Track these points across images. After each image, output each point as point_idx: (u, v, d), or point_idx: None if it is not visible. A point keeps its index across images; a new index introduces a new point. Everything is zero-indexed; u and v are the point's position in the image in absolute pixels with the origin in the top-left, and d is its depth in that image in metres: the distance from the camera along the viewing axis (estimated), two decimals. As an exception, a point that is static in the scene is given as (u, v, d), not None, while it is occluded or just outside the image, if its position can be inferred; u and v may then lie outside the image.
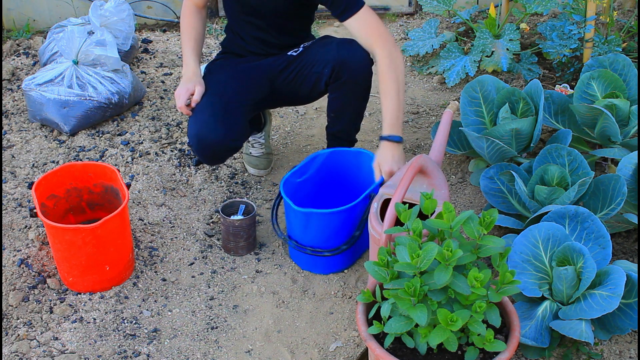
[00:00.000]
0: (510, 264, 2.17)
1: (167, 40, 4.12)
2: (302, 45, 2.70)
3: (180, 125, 3.29)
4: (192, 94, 2.52)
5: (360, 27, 2.45)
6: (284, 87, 2.69)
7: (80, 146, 3.13)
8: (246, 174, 3.01)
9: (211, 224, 2.75)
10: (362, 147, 3.16)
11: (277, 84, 2.68)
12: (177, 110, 3.42)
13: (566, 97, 2.86)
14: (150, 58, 3.90)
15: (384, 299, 1.80)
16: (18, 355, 2.17)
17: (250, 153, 3.00)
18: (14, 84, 3.61)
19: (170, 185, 2.92)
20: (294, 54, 2.68)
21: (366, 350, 2.14)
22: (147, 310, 2.36)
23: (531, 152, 2.91)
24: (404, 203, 1.99)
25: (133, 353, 2.20)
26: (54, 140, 3.18)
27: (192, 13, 2.70)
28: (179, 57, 3.92)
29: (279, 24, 2.65)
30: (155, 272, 2.52)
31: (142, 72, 3.74)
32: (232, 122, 2.54)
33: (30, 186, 2.89)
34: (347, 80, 2.55)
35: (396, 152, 2.43)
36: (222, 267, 2.56)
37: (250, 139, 2.98)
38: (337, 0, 2.44)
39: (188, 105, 2.52)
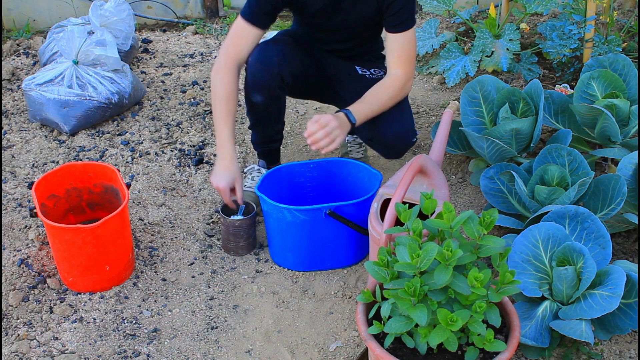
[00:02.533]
0: (510, 264, 2.17)
1: (167, 40, 4.12)
2: (372, 69, 2.72)
3: (180, 125, 3.29)
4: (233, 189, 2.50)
5: (397, 45, 2.47)
6: (333, 86, 2.73)
7: (80, 146, 3.13)
8: (246, 174, 3.01)
9: (211, 224, 2.75)
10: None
11: (332, 83, 2.72)
12: (177, 110, 3.42)
13: (566, 97, 2.86)
14: (150, 58, 3.90)
15: (384, 299, 1.80)
16: (18, 355, 2.17)
17: (251, 153, 3.00)
18: (14, 84, 3.61)
19: (170, 185, 2.92)
20: (364, 73, 2.70)
21: (366, 350, 2.14)
22: (147, 310, 2.36)
23: (531, 152, 2.91)
24: (404, 203, 1.99)
25: (133, 353, 2.20)
26: (54, 140, 3.18)
27: (231, 72, 2.47)
28: (179, 57, 3.93)
29: (354, 38, 2.67)
30: (155, 272, 2.52)
31: (142, 72, 3.75)
32: (294, 66, 2.54)
33: (30, 186, 2.89)
34: (381, 148, 2.67)
35: (338, 122, 2.32)
36: (222, 267, 2.56)
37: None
38: (401, 14, 2.43)
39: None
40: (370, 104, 2.44)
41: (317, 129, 2.29)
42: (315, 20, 2.57)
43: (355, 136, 3.00)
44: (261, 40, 2.54)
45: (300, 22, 2.68)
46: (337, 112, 2.41)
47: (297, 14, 2.63)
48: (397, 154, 2.66)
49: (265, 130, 2.72)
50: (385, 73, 2.70)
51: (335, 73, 2.70)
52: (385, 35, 2.52)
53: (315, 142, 2.30)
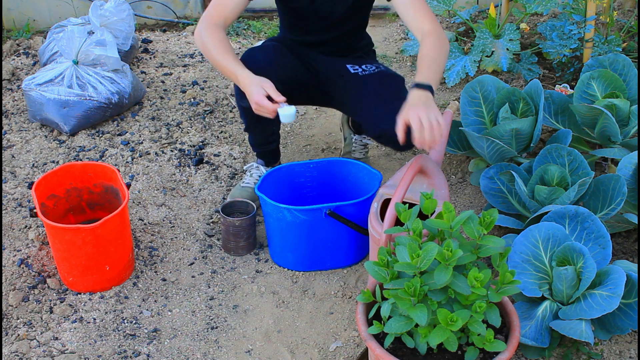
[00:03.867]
0: (510, 264, 2.17)
1: (167, 40, 4.12)
2: (364, 65, 2.65)
3: (180, 125, 3.29)
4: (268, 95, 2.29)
5: (410, 5, 2.35)
6: (326, 89, 2.69)
7: (80, 146, 3.13)
8: (246, 174, 3.01)
9: (211, 224, 2.75)
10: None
11: (325, 86, 2.68)
12: (177, 110, 3.42)
13: (566, 97, 2.86)
14: (150, 58, 3.90)
15: (384, 299, 1.80)
16: (18, 355, 2.17)
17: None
18: (14, 84, 3.61)
19: (170, 185, 2.92)
20: (356, 71, 2.64)
21: (366, 350, 2.14)
22: (147, 310, 2.36)
23: (531, 152, 2.91)
24: (404, 203, 1.99)
25: (133, 353, 2.20)
26: (54, 140, 3.18)
27: (219, 29, 2.41)
28: (179, 57, 3.92)
29: (337, 26, 2.62)
30: (155, 272, 2.52)
31: (142, 72, 3.75)
32: (282, 70, 2.50)
33: (30, 186, 2.89)
34: (391, 143, 2.49)
35: (429, 99, 2.09)
36: (222, 267, 2.56)
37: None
38: None
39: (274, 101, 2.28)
40: (436, 71, 2.25)
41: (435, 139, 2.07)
42: (296, 1, 2.52)
43: (362, 136, 2.98)
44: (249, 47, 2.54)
45: (282, 7, 2.61)
46: (417, 86, 2.14)
47: None
48: (408, 146, 2.58)
49: (260, 133, 2.71)
50: (376, 67, 2.67)
51: (326, 75, 2.67)
52: (394, 7, 2.41)
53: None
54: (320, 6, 2.51)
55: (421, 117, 2.03)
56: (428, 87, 2.14)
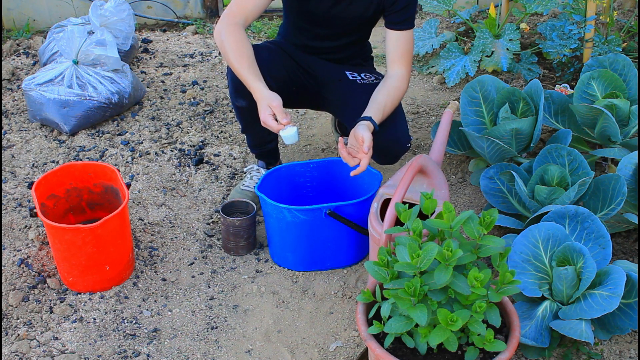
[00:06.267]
0: (510, 264, 2.17)
1: (167, 40, 4.12)
2: (363, 74, 2.67)
3: (180, 125, 3.29)
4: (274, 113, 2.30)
5: (400, 42, 2.49)
6: (322, 94, 2.69)
7: (80, 146, 3.13)
8: (246, 174, 3.01)
9: (211, 224, 2.75)
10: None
11: (320, 88, 2.67)
12: (177, 110, 3.42)
13: (566, 97, 2.86)
14: (150, 58, 3.90)
15: (384, 299, 1.80)
16: (18, 355, 2.17)
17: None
18: (14, 84, 3.61)
19: (170, 185, 2.92)
20: (354, 79, 2.65)
21: (366, 350, 2.14)
22: (147, 310, 2.36)
23: (531, 152, 2.91)
24: (404, 203, 1.99)
25: (133, 353, 2.20)
26: (54, 140, 3.18)
27: (238, 28, 2.38)
28: (179, 57, 3.93)
29: (345, 35, 2.62)
30: (155, 272, 2.52)
31: (142, 72, 3.75)
32: (275, 70, 2.50)
33: (30, 186, 2.89)
34: (376, 155, 2.53)
35: (371, 131, 2.34)
36: (222, 267, 2.56)
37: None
38: (406, 10, 2.45)
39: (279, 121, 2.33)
40: (388, 110, 2.44)
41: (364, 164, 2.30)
42: (314, 4, 2.50)
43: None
44: None
45: (296, 8, 2.58)
46: (363, 120, 2.34)
47: None
48: (392, 160, 2.62)
49: (257, 133, 2.69)
50: (375, 77, 2.69)
51: (324, 78, 2.67)
52: (385, 33, 2.50)
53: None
54: (341, 12, 2.51)
55: (364, 134, 2.27)
56: (375, 125, 2.36)
